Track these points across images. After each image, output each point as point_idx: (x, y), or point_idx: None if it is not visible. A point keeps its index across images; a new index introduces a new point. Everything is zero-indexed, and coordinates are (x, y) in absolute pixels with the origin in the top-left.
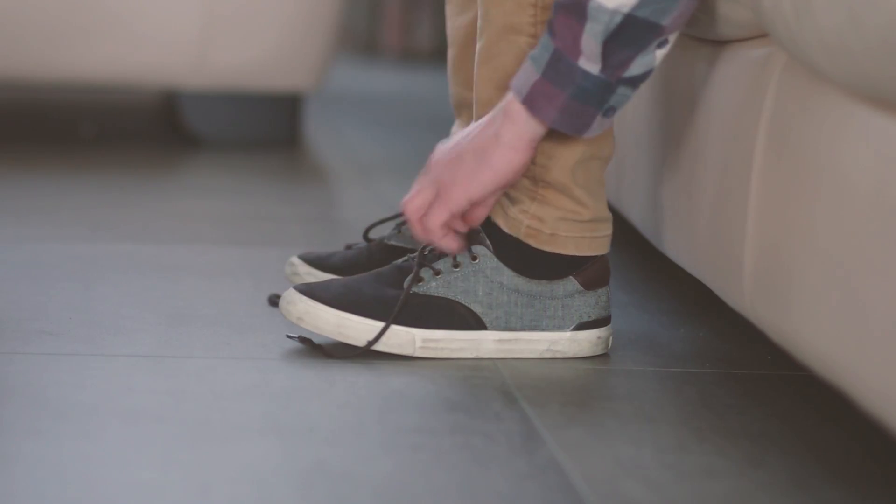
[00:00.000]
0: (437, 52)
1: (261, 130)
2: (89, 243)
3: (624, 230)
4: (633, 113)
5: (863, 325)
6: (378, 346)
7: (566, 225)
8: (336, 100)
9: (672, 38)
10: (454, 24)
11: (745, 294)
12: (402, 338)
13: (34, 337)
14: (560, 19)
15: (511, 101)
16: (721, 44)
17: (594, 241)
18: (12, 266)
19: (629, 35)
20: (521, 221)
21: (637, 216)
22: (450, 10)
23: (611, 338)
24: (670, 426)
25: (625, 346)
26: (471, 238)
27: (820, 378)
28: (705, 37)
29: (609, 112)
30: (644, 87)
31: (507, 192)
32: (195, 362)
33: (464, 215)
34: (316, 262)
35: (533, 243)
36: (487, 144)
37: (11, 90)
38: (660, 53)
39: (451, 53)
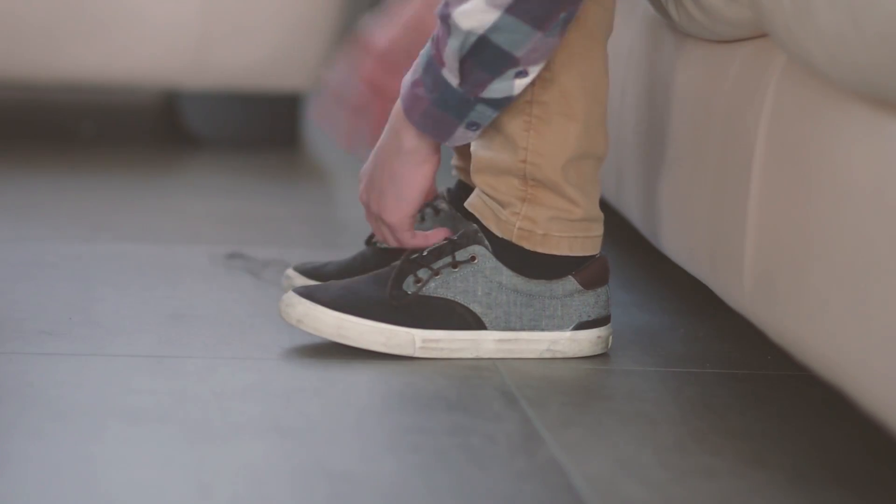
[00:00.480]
0: None
1: (260, 130)
2: (89, 243)
3: (624, 230)
4: (634, 112)
5: (863, 324)
6: (378, 348)
7: (558, 224)
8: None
9: (533, 71)
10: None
11: (744, 294)
12: (402, 338)
13: (34, 337)
14: (438, 26)
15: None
16: (721, 44)
17: (587, 241)
18: (12, 266)
19: (484, 58)
20: (513, 223)
21: (636, 216)
22: None
23: (611, 337)
24: (670, 426)
25: (625, 346)
26: (469, 238)
27: (820, 378)
28: (705, 37)
29: (472, 126)
30: (644, 87)
31: (496, 196)
32: (195, 362)
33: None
34: (312, 272)
35: (526, 245)
36: (395, 161)
37: (11, 90)
38: (519, 83)
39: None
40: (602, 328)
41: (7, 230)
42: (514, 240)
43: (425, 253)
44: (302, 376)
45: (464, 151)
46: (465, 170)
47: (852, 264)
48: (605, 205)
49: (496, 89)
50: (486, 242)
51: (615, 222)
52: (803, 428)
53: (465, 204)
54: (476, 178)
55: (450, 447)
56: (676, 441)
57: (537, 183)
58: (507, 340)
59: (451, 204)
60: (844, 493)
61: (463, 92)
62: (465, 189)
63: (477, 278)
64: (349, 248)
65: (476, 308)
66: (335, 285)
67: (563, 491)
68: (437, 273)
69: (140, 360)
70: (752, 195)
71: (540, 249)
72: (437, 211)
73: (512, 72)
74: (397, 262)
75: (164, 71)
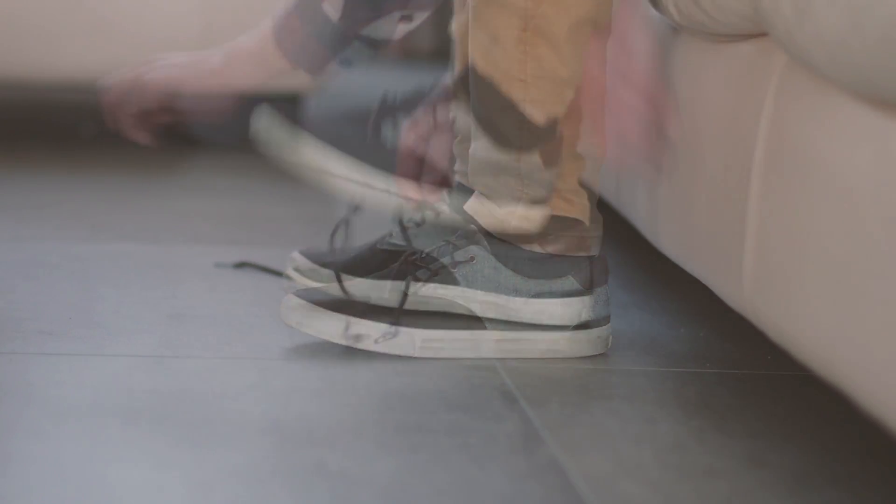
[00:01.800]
0: (437, 52)
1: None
2: (89, 243)
3: (624, 230)
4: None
5: (863, 325)
6: (378, 348)
7: (555, 224)
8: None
9: (418, 17)
10: (457, 21)
11: (744, 294)
12: (402, 339)
13: (34, 337)
14: None
15: (265, 27)
16: (721, 43)
17: (583, 242)
18: (12, 266)
19: None
20: (509, 223)
21: (637, 216)
22: (456, 4)
23: (610, 337)
24: (670, 426)
25: (625, 346)
26: (468, 239)
27: (820, 378)
28: (706, 31)
29: (344, 63)
30: (644, 87)
31: (493, 197)
32: (195, 362)
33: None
34: (317, 257)
35: (522, 244)
36: (229, 50)
37: (11, 90)
38: (402, 28)
39: (459, 20)
40: (602, 328)
41: (7, 230)
42: (511, 239)
43: (424, 254)
44: (302, 376)
45: (466, 157)
46: (465, 174)
47: (852, 264)
48: (605, 205)
49: (378, 29)
50: (485, 243)
51: (616, 222)
52: (803, 428)
53: (465, 206)
54: (474, 181)
55: (450, 447)
56: (676, 441)
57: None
58: (507, 340)
59: (451, 207)
60: (844, 494)
61: (342, 27)
62: (465, 192)
63: (476, 278)
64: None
65: (475, 308)
66: (335, 288)
67: (563, 491)
68: (436, 273)
69: (140, 360)
70: (752, 195)
71: (536, 249)
72: (437, 213)
73: (398, 15)
74: (396, 264)
75: None
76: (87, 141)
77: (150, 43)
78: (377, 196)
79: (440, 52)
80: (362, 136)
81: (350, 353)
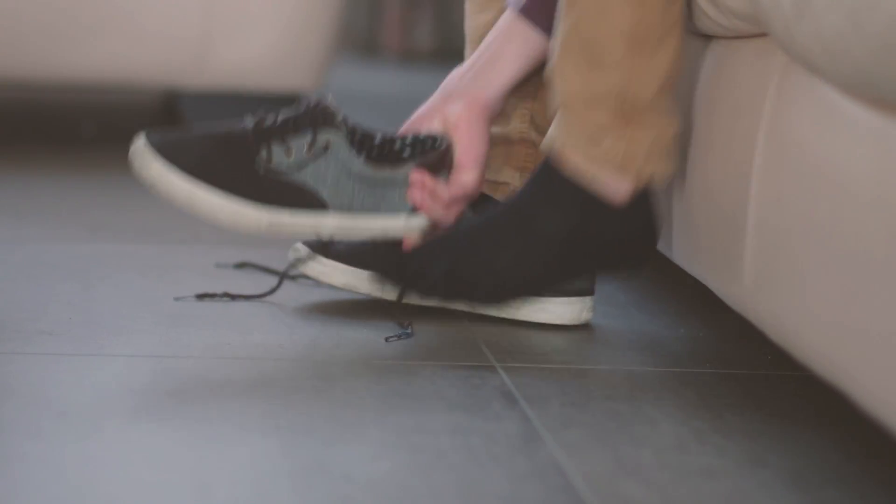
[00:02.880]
0: (437, 52)
1: None
2: (89, 243)
3: None
4: None
5: (863, 325)
6: (225, 225)
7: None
8: (336, 100)
9: None
10: (474, 22)
11: (744, 294)
12: (250, 218)
13: (34, 337)
14: None
15: (509, 18)
16: (721, 43)
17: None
18: (12, 266)
19: None
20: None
21: None
22: (470, 7)
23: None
24: (670, 426)
25: (625, 347)
26: (323, 119)
27: (820, 378)
28: (710, 32)
29: None
30: None
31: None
32: (195, 362)
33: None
34: (320, 248)
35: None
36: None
37: (11, 90)
38: None
39: (469, 52)
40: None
41: (7, 230)
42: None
43: (278, 122)
44: (302, 376)
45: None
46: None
47: (852, 264)
48: None
49: None
50: (344, 128)
51: None
52: (803, 428)
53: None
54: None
55: (450, 447)
56: (676, 441)
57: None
58: (346, 223)
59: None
60: (844, 494)
61: None
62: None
63: (329, 163)
64: None
65: (323, 192)
66: (196, 145)
67: (563, 491)
68: (289, 152)
69: (140, 360)
70: (752, 195)
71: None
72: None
73: None
74: (249, 128)
75: (165, 71)
76: (87, 141)
77: (150, 43)
78: (249, 224)
79: (440, 52)
80: (235, 159)
81: (350, 353)
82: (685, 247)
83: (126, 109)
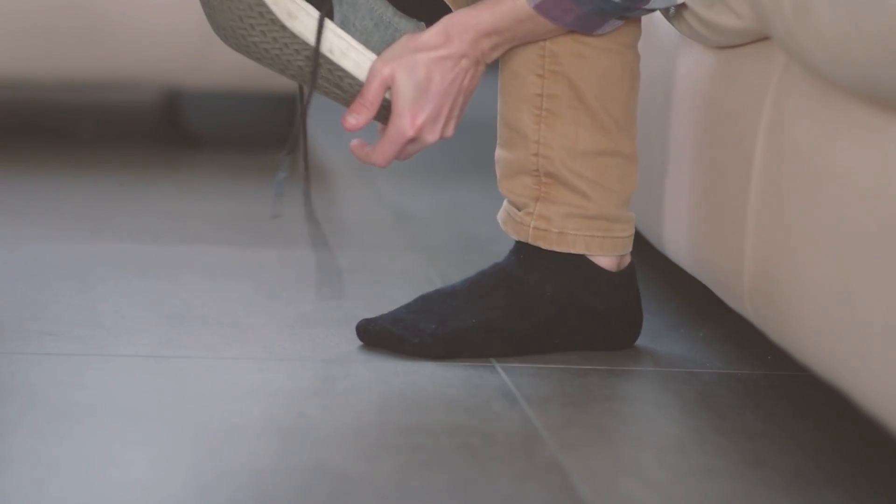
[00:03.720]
0: None
1: (261, 130)
2: (89, 243)
3: None
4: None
5: (863, 325)
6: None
7: (574, 222)
8: None
9: None
10: None
11: (744, 294)
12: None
13: (34, 337)
14: None
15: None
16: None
17: (606, 241)
18: (12, 266)
19: None
20: (528, 224)
21: (637, 216)
22: None
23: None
24: (670, 426)
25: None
26: None
27: (820, 378)
28: (706, 45)
29: (624, 18)
30: (644, 88)
31: (514, 199)
32: (195, 362)
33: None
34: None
35: (542, 244)
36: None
37: (11, 90)
38: None
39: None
40: None
41: (7, 230)
42: (531, 240)
43: None
44: (302, 376)
45: None
46: None
47: (852, 264)
48: None
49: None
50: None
51: None
52: (803, 428)
53: (497, 218)
54: (500, 187)
55: (450, 447)
56: (676, 441)
57: (550, 178)
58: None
59: None
60: (844, 494)
61: (625, 4)
62: None
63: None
64: (349, 247)
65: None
66: None
67: (563, 491)
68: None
69: (140, 360)
70: (752, 195)
71: (556, 248)
72: None
73: None
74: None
75: (165, 71)
76: (87, 141)
77: (150, 43)
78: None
79: None
80: None
81: (350, 353)
82: (685, 247)
83: (126, 109)
